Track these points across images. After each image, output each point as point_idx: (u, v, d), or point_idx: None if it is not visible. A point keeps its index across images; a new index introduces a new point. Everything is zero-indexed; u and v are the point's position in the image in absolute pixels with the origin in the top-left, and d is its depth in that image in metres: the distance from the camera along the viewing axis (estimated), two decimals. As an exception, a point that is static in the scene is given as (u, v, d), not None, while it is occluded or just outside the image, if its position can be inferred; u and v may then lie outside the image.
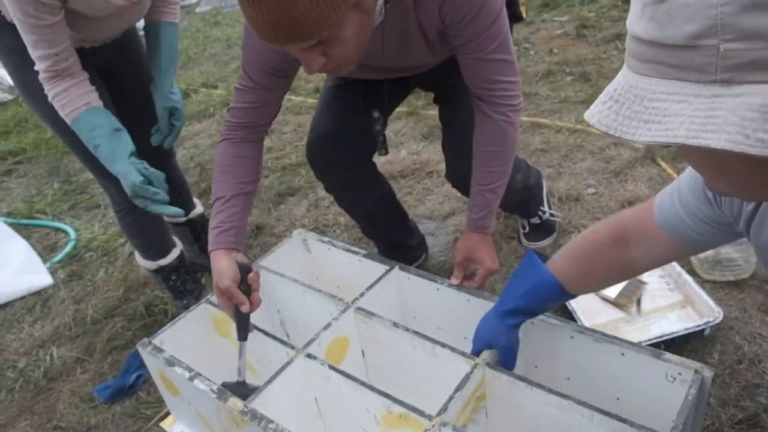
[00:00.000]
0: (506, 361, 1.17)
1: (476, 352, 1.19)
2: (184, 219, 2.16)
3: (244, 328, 1.32)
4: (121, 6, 1.50)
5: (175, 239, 2.03)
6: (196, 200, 2.21)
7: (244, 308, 1.30)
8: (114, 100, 1.68)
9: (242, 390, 1.27)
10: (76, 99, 1.44)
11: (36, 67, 1.42)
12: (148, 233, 1.92)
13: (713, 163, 0.59)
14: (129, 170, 1.39)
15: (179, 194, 2.12)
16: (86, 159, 1.73)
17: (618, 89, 0.58)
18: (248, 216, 1.40)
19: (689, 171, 0.91)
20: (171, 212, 1.45)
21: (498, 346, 1.17)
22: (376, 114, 1.61)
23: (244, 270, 1.31)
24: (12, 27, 1.48)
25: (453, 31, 1.24)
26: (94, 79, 1.62)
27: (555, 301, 1.17)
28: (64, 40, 1.40)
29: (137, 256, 1.99)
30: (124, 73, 1.73)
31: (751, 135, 0.48)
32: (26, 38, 1.38)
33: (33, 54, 1.40)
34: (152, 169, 1.43)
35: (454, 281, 1.42)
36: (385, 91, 1.60)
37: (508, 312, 1.16)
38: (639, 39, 0.55)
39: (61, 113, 1.45)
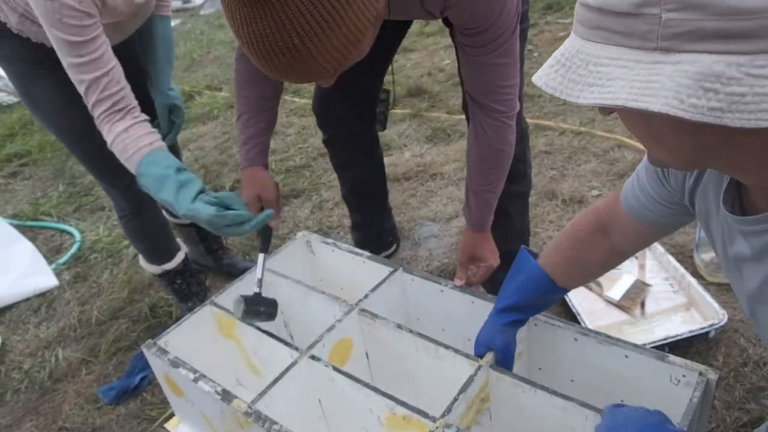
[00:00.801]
0: (502, 360, 1.17)
1: (479, 356, 1.20)
2: (189, 220, 2.16)
3: (268, 241, 1.39)
4: (141, 4, 1.49)
5: (180, 242, 2.03)
6: None
7: (275, 223, 1.37)
8: None
9: (258, 300, 1.36)
10: (141, 138, 1.33)
11: (91, 105, 1.32)
12: (152, 238, 1.91)
13: (652, 130, 0.62)
14: (196, 208, 1.23)
15: None
16: (89, 165, 1.73)
17: (565, 53, 0.61)
18: (273, 130, 1.44)
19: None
20: (262, 218, 1.29)
21: (494, 346, 1.17)
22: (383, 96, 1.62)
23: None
24: (18, 36, 1.47)
25: (458, 30, 1.20)
26: None
27: (546, 295, 1.17)
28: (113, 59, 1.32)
29: (141, 260, 1.99)
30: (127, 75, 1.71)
31: (685, 100, 0.52)
32: (71, 63, 1.28)
33: (83, 86, 1.29)
34: (218, 193, 1.29)
35: (458, 282, 1.42)
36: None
37: (502, 310, 1.17)
38: (588, 6, 0.58)
39: (122, 157, 1.33)
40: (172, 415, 1.58)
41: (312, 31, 0.84)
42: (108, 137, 1.33)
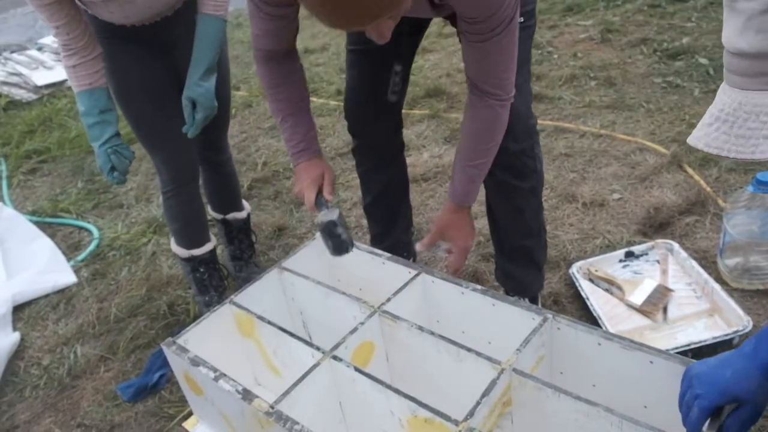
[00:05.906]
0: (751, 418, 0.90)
1: (709, 407, 0.91)
2: (221, 216, 2.18)
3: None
4: None
5: (212, 235, 2.06)
6: (245, 203, 2.23)
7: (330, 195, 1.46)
8: (173, 82, 1.77)
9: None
10: (82, 78, 1.65)
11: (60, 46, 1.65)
12: (187, 220, 1.96)
13: None
14: (99, 153, 1.67)
15: (227, 190, 2.15)
16: (138, 131, 1.85)
17: (725, 109, 0.57)
18: (314, 122, 1.53)
19: None
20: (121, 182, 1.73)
21: (745, 400, 0.89)
22: (398, 68, 1.64)
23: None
24: (90, 15, 1.68)
25: (459, 17, 1.25)
26: (151, 57, 1.75)
27: None
28: (63, 17, 1.56)
29: (172, 242, 2.03)
30: (183, 55, 1.75)
31: None
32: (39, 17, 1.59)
33: (50, 30, 1.63)
34: (119, 153, 1.67)
35: (419, 247, 1.52)
36: (403, 41, 1.63)
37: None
38: (744, 54, 0.54)
39: (72, 84, 1.68)
40: (190, 414, 1.58)
41: None
42: (65, 69, 1.67)
